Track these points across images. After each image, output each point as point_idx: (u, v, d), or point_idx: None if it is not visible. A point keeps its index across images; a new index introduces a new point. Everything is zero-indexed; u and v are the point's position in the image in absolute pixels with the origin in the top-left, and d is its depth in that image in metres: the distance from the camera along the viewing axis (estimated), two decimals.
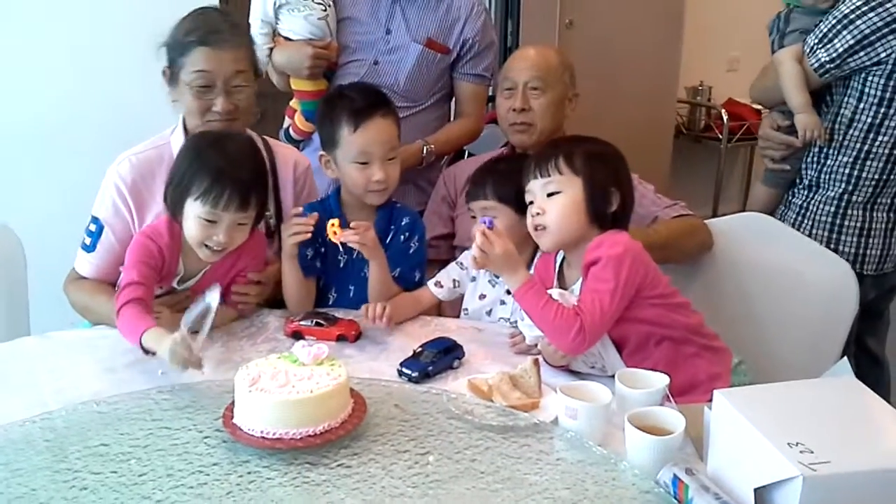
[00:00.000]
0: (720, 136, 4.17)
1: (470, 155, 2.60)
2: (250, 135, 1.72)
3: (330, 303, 1.79)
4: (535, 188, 1.53)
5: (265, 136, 1.88)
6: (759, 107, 3.24)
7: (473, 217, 1.75)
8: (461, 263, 1.77)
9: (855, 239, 2.01)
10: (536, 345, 1.50)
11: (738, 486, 1.07)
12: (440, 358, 1.47)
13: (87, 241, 1.75)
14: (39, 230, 1.99)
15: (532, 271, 1.65)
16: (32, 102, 2.57)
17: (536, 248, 1.65)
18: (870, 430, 1.09)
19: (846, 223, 2.01)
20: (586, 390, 1.28)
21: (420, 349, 1.49)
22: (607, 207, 1.51)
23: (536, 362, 1.39)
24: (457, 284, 1.76)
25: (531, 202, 1.54)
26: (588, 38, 3.44)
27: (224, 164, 1.54)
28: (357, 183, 1.70)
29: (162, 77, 1.78)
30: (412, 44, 2.18)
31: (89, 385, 1.41)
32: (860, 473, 1.00)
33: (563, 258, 1.59)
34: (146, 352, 1.44)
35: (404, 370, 1.45)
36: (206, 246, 1.57)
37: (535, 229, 1.52)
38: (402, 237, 1.76)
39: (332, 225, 1.62)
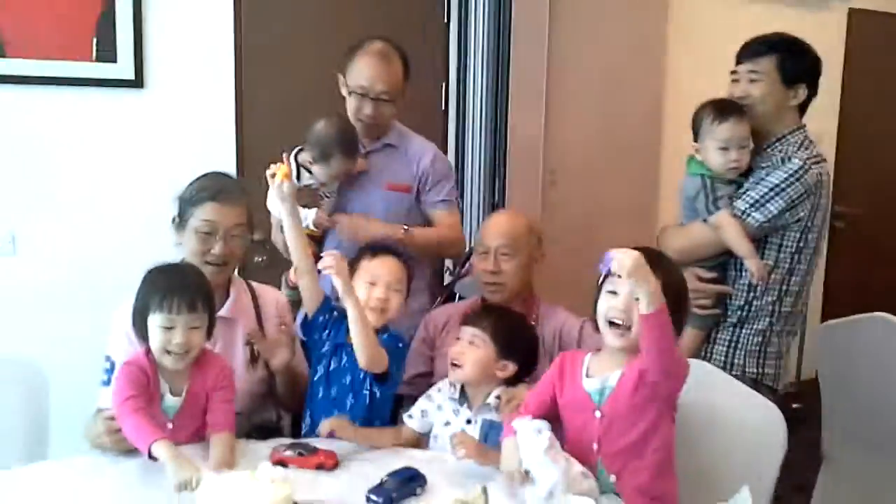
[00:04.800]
0: None
1: (450, 296, 2.87)
2: (195, 266, 2.02)
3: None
4: (626, 287, 1.68)
5: (249, 282, 2.21)
6: None
7: (457, 339, 2.00)
8: (429, 396, 2.01)
9: (773, 362, 2.41)
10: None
11: None
12: (404, 485, 1.67)
13: (104, 377, 2.00)
14: (65, 367, 2.23)
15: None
16: (61, 257, 2.98)
17: (498, 384, 1.93)
18: None
19: (769, 350, 2.40)
20: None
21: (386, 478, 1.69)
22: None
23: (485, 489, 1.60)
24: (425, 414, 1.99)
25: (614, 292, 1.72)
26: (570, 192, 3.74)
27: (172, 280, 1.86)
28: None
29: (171, 223, 2.11)
30: (376, 190, 2.54)
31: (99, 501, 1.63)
32: None
33: (591, 356, 1.80)
34: (151, 457, 1.68)
35: (371, 497, 1.65)
36: (169, 352, 1.82)
37: (614, 324, 1.72)
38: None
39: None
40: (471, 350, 1.95)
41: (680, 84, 3.92)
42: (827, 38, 4.68)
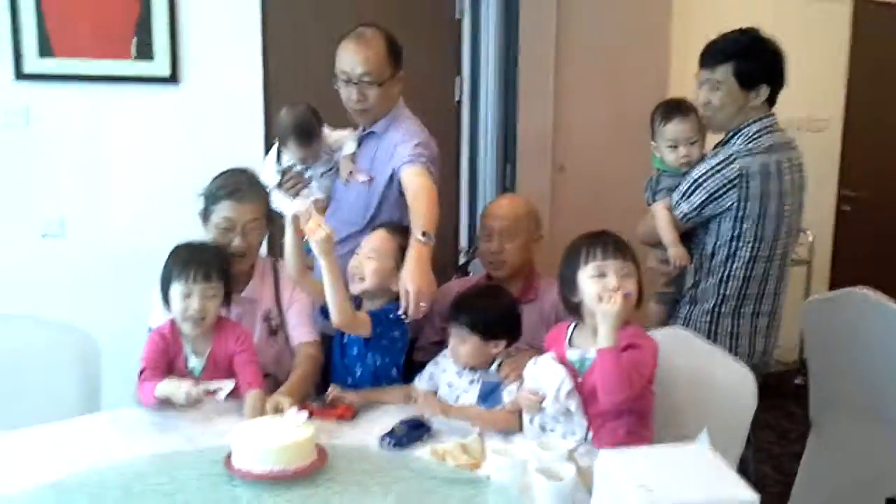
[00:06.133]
0: None
1: (464, 273, 3.11)
2: (217, 245, 2.28)
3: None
4: (614, 267, 1.90)
5: (276, 260, 2.44)
6: None
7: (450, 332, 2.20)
8: (436, 362, 2.24)
9: (727, 340, 2.51)
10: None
11: None
12: (412, 431, 1.92)
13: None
14: (116, 336, 2.47)
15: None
16: (105, 239, 3.27)
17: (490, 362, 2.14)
18: (701, 477, 1.50)
19: (718, 329, 2.52)
20: (512, 451, 1.72)
21: (397, 424, 1.94)
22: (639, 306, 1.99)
23: (481, 433, 1.84)
24: (432, 377, 2.23)
25: (601, 275, 1.89)
26: (578, 180, 3.93)
27: (191, 254, 2.14)
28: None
29: (199, 216, 2.36)
30: (348, 185, 2.58)
31: (150, 445, 1.89)
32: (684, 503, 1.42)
33: (575, 325, 2.01)
34: (160, 402, 1.98)
35: (384, 440, 1.90)
36: (188, 318, 2.09)
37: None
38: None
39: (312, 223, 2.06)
40: (462, 346, 2.15)
41: (684, 73, 4.07)
42: (833, 27, 4.85)
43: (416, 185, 2.33)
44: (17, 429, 1.98)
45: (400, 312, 2.14)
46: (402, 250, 2.24)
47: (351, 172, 2.56)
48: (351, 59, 2.48)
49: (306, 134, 2.54)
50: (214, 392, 2.01)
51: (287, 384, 2.19)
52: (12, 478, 1.70)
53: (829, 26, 4.85)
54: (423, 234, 2.18)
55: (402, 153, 2.43)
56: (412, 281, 2.12)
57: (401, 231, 2.30)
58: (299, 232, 2.17)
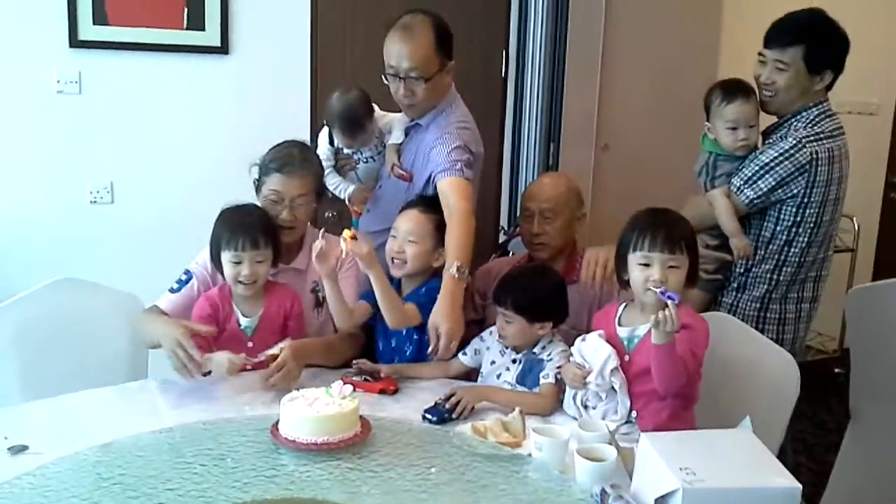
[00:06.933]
0: None
1: (504, 253, 3.10)
2: (262, 208, 2.30)
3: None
4: (659, 260, 1.89)
5: (326, 234, 2.41)
6: None
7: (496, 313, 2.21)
8: (482, 338, 2.26)
9: (774, 327, 2.51)
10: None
11: (645, 497, 1.49)
12: (455, 407, 1.94)
13: (175, 286, 2.32)
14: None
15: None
16: (153, 205, 3.33)
17: (534, 344, 2.14)
18: (743, 463, 1.51)
19: (768, 315, 2.51)
20: (553, 430, 1.73)
21: (440, 400, 1.96)
22: (692, 285, 2.01)
23: (522, 412, 1.85)
24: (477, 353, 2.25)
25: (647, 264, 1.90)
26: (622, 159, 3.91)
27: (238, 220, 2.18)
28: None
29: (253, 186, 2.38)
30: (391, 178, 2.56)
31: (198, 412, 1.93)
32: (725, 489, 1.42)
33: (626, 305, 2.02)
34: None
35: (426, 415, 1.93)
36: (239, 282, 2.16)
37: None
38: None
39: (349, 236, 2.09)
40: (508, 327, 2.15)
41: (735, 57, 4.00)
42: (889, 9, 4.73)
43: (451, 206, 2.28)
44: (66, 392, 2.03)
45: (429, 352, 2.16)
46: (437, 228, 2.28)
47: (393, 166, 2.54)
48: (397, 53, 2.37)
49: (351, 126, 2.53)
50: (271, 356, 2.09)
51: (301, 338, 2.23)
52: (62, 440, 1.74)
53: (885, 8, 4.73)
54: (458, 269, 2.16)
55: (436, 160, 2.39)
56: (445, 321, 2.13)
57: (433, 207, 2.32)
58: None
